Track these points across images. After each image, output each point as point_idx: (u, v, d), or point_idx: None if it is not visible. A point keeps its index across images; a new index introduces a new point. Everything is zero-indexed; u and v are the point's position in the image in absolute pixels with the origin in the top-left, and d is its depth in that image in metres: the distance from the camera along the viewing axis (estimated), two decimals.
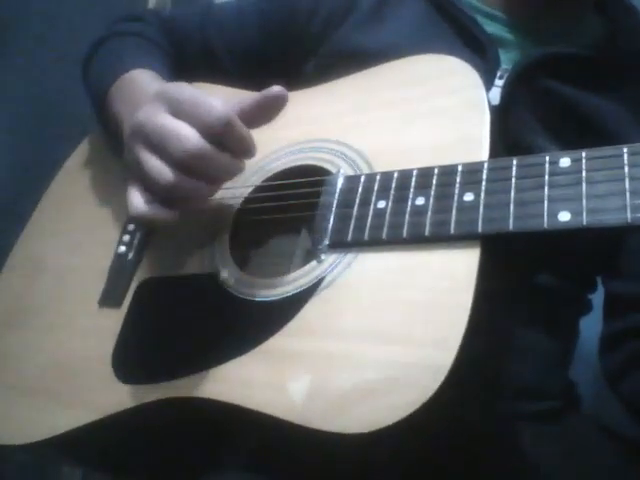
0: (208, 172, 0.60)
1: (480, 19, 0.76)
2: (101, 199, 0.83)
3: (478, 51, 0.74)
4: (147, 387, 0.63)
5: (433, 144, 0.61)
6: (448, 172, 0.57)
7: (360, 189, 0.61)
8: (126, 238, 0.76)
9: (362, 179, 0.62)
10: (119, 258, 0.75)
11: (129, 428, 0.65)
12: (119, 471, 0.74)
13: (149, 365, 0.66)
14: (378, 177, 0.61)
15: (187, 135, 0.58)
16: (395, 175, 0.60)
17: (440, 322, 0.52)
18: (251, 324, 0.61)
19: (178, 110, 0.60)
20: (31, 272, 0.83)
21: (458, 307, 0.51)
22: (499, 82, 0.73)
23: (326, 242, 0.60)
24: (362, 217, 0.59)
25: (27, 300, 0.81)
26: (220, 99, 0.60)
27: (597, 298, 0.83)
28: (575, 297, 0.79)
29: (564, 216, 0.50)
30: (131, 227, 0.76)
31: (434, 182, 0.57)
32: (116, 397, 0.64)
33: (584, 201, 0.50)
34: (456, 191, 0.56)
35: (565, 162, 0.53)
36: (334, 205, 0.62)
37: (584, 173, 0.51)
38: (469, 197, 0.55)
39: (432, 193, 0.57)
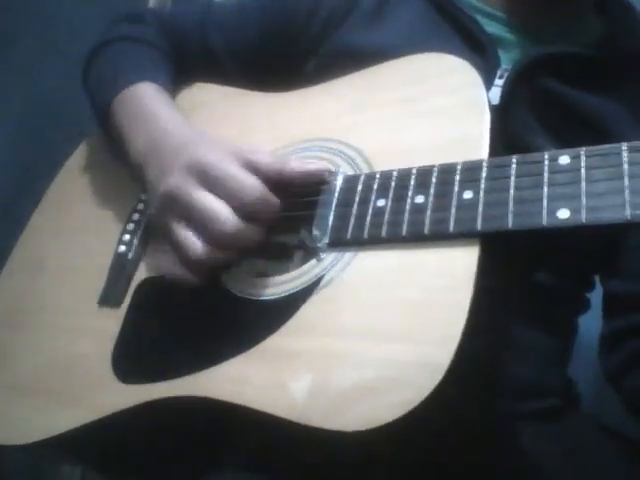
0: (239, 246, 0.63)
1: (480, 19, 0.76)
2: (101, 199, 0.84)
3: (478, 51, 0.74)
4: (146, 386, 0.63)
5: (433, 143, 0.61)
6: (447, 170, 0.57)
7: (359, 188, 0.61)
8: (126, 237, 0.76)
9: (362, 178, 0.62)
10: (119, 258, 0.75)
11: (128, 428, 0.65)
12: (118, 471, 0.74)
13: (148, 364, 0.66)
14: (377, 176, 0.61)
15: (227, 217, 0.61)
16: (394, 174, 0.60)
17: (439, 320, 0.52)
18: (250, 323, 0.61)
19: (212, 186, 0.62)
20: (31, 272, 0.83)
21: (457, 305, 0.51)
22: (499, 82, 0.73)
23: (325, 241, 0.60)
24: (361, 216, 0.59)
25: (27, 300, 0.81)
26: (258, 171, 0.62)
27: (595, 297, 0.83)
28: (573, 295, 0.79)
29: (563, 214, 0.50)
30: (131, 227, 0.76)
31: (433, 180, 0.57)
32: (115, 397, 0.64)
33: (583, 199, 0.50)
34: (455, 189, 0.56)
35: (564, 160, 0.53)
36: (334, 204, 0.62)
37: (583, 171, 0.51)
38: (468, 195, 0.55)
39: (431, 191, 0.57)
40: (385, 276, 0.56)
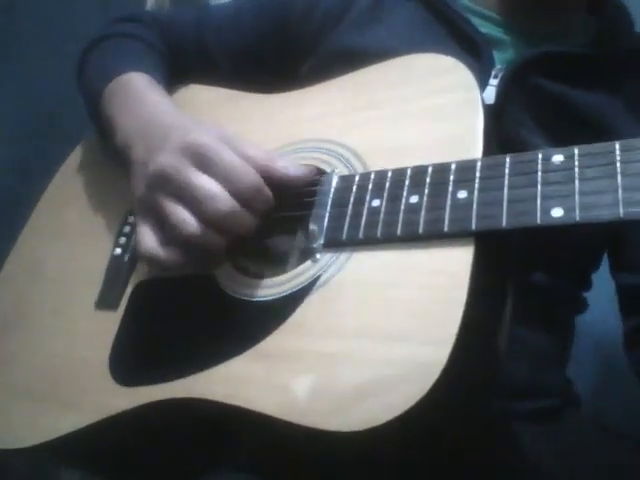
0: (231, 230, 0.62)
1: (474, 20, 0.76)
2: (97, 202, 0.83)
3: (472, 51, 0.74)
4: (144, 389, 0.62)
5: (427, 142, 0.61)
6: (442, 170, 0.57)
7: (354, 188, 0.61)
8: (122, 240, 0.76)
9: (356, 178, 0.62)
10: (115, 260, 0.75)
11: (126, 430, 0.65)
12: (117, 473, 0.74)
13: (146, 367, 0.66)
14: (372, 176, 0.61)
15: (221, 197, 0.60)
16: (389, 174, 0.60)
17: (435, 319, 0.52)
18: (247, 324, 0.61)
19: (207, 168, 0.62)
20: (28, 275, 0.83)
21: (453, 304, 0.51)
22: (494, 81, 0.73)
23: (321, 241, 0.60)
24: (357, 216, 0.59)
25: (24, 303, 0.81)
26: (250, 160, 0.62)
27: (593, 297, 0.83)
28: (570, 295, 0.80)
29: (557, 212, 0.50)
30: (127, 229, 0.76)
31: (428, 180, 0.57)
32: (113, 399, 0.64)
33: (577, 197, 0.50)
34: (450, 189, 0.56)
35: (558, 159, 0.53)
36: (329, 204, 0.62)
37: (577, 169, 0.52)
38: (463, 194, 0.55)
39: (426, 191, 0.57)
40: (381, 276, 0.56)
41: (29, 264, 0.84)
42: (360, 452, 0.54)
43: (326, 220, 0.61)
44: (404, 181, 0.58)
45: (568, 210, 0.50)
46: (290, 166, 0.65)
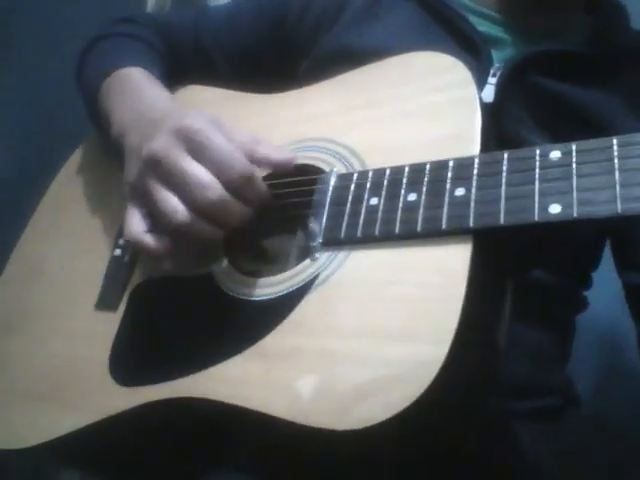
0: (222, 219, 0.61)
1: (473, 18, 0.77)
2: (97, 203, 0.84)
3: (471, 50, 0.74)
4: (144, 389, 0.62)
5: (425, 140, 0.61)
6: (439, 167, 0.57)
7: (352, 186, 0.61)
8: (122, 241, 0.76)
9: (354, 177, 0.62)
10: (115, 261, 0.75)
11: (127, 430, 0.65)
12: (117, 473, 0.74)
13: (146, 367, 0.66)
14: (370, 174, 0.61)
15: (211, 184, 0.59)
16: (387, 172, 0.60)
17: (433, 317, 0.52)
18: (247, 323, 0.61)
19: (199, 154, 0.61)
20: (28, 276, 0.83)
21: (451, 302, 0.51)
22: (492, 80, 0.73)
23: (319, 240, 0.60)
24: (355, 214, 0.59)
25: (25, 304, 0.81)
26: (239, 147, 0.61)
27: (593, 297, 0.83)
28: (570, 293, 0.79)
29: (555, 209, 0.50)
30: None
31: (426, 178, 0.57)
32: (113, 400, 0.64)
33: (574, 193, 0.50)
34: (447, 186, 0.56)
35: (555, 155, 0.53)
36: (327, 203, 0.62)
37: (574, 166, 0.51)
38: (460, 192, 0.55)
39: (424, 189, 0.57)
40: (379, 274, 0.56)
41: (30, 265, 0.85)
42: (359, 451, 0.54)
43: (324, 219, 0.61)
44: (402, 179, 0.58)
45: (566, 206, 0.50)
46: (272, 151, 0.64)
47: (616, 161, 0.50)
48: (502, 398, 0.71)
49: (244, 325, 0.61)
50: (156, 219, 0.63)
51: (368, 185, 0.60)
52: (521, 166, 0.54)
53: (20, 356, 0.76)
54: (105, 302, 0.73)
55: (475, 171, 0.55)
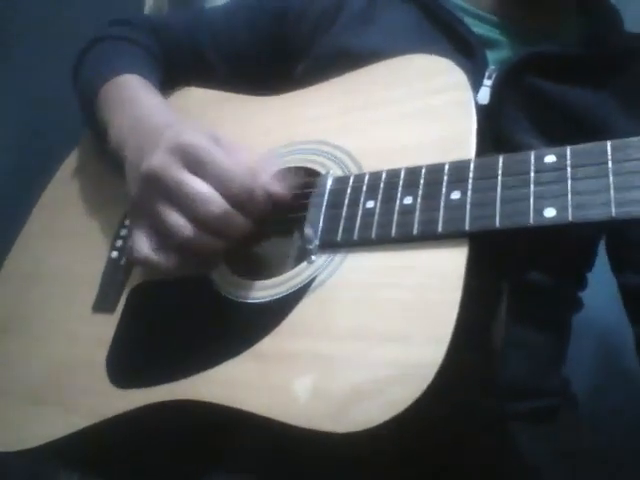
0: (225, 232, 0.62)
1: (468, 20, 0.77)
2: (94, 205, 0.84)
3: (466, 52, 0.74)
4: (141, 391, 0.63)
5: (421, 143, 0.61)
6: (435, 170, 0.57)
7: (349, 189, 0.61)
8: (119, 243, 0.76)
9: (351, 180, 0.62)
10: (112, 263, 0.75)
11: (125, 432, 0.65)
12: (116, 475, 0.74)
13: (143, 369, 0.66)
14: (366, 177, 0.61)
15: (213, 198, 0.60)
16: (383, 175, 0.60)
17: (430, 320, 0.52)
18: (244, 326, 0.61)
19: (198, 169, 0.61)
20: (25, 278, 0.83)
21: (447, 304, 0.51)
22: (488, 82, 0.73)
23: (316, 243, 0.60)
24: (351, 217, 0.59)
25: (22, 306, 0.81)
26: (239, 160, 0.62)
27: (591, 297, 0.83)
28: (565, 294, 0.80)
29: (550, 212, 0.50)
30: (123, 232, 0.76)
31: (421, 181, 0.57)
32: (111, 402, 0.64)
33: (569, 197, 0.50)
34: (443, 190, 0.56)
35: (550, 159, 0.53)
36: (324, 206, 0.62)
37: (569, 169, 0.52)
38: (456, 195, 0.55)
39: (420, 192, 0.57)
40: (375, 277, 0.56)
41: (27, 266, 0.85)
42: (357, 453, 0.54)
43: (321, 222, 0.61)
44: (398, 182, 0.59)
45: (561, 210, 0.50)
46: (273, 183, 0.64)
47: (610, 165, 0.50)
48: (499, 399, 0.71)
49: (241, 327, 0.61)
50: (160, 235, 0.64)
51: (364, 188, 0.60)
52: (516, 169, 0.54)
53: (17, 358, 0.76)
54: (102, 304, 0.73)
55: (471, 174, 0.55)
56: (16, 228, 0.89)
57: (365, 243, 0.58)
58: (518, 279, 0.71)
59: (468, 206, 0.54)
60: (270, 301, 0.61)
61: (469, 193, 0.54)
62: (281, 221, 0.66)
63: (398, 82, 0.67)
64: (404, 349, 0.52)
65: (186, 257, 0.64)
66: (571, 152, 0.53)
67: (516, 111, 0.74)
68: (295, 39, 0.83)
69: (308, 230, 0.61)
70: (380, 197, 0.59)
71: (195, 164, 0.62)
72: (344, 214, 0.60)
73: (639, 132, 0.52)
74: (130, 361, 0.68)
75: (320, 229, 0.61)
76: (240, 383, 0.57)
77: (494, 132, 0.64)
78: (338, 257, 0.59)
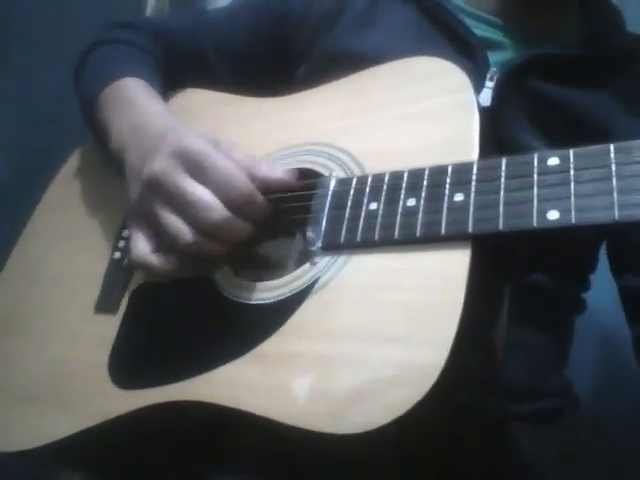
0: (226, 237, 0.63)
1: (470, 22, 0.77)
2: (95, 206, 0.84)
3: (467, 53, 0.74)
4: (144, 392, 0.63)
5: (423, 145, 0.61)
6: (438, 172, 0.57)
7: (352, 191, 0.61)
8: (121, 244, 0.76)
9: (354, 181, 0.62)
10: (114, 264, 0.75)
11: (127, 433, 0.65)
12: (118, 476, 0.74)
13: (145, 370, 0.66)
14: (369, 179, 0.61)
15: (215, 206, 0.61)
16: (386, 177, 0.60)
17: (433, 321, 0.52)
18: (246, 327, 0.61)
19: (199, 175, 0.62)
20: (28, 278, 0.83)
21: (450, 306, 0.51)
22: (489, 84, 0.73)
23: (319, 244, 0.60)
24: (354, 219, 0.59)
25: (24, 306, 0.81)
26: (240, 167, 0.62)
27: (592, 298, 0.83)
28: (568, 296, 0.80)
29: (553, 215, 0.51)
30: (126, 233, 0.76)
31: (424, 183, 0.57)
32: (113, 403, 0.64)
33: (572, 200, 0.50)
34: (446, 192, 0.56)
35: (553, 161, 0.53)
36: (326, 207, 0.62)
37: (572, 172, 0.52)
38: (459, 197, 0.55)
39: (423, 194, 0.57)
40: (378, 279, 0.56)
41: (29, 267, 0.85)
42: (358, 454, 0.54)
43: (324, 223, 0.61)
44: (401, 184, 0.59)
45: (564, 212, 0.50)
46: (273, 170, 0.65)
47: (613, 167, 0.50)
48: (501, 400, 0.71)
49: (244, 329, 0.61)
50: (160, 238, 0.64)
51: (367, 190, 0.60)
52: (519, 172, 0.54)
53: (19, 358, 0.76)
54: (105, 305, 0.73)
55: (474, 177, 0.55)
56: (17, 228, 0.89)
57: (368, 245, 0.58)
58: (520, 281, 0.71)
59: (471, 208, 0.54)
60: (273, 302, 0.61)
61: (472, 195, 0.54)
62: (283, 222, 0.66)
63: (400, 84, 0.67)
64: (407, 351, 0.52)
65: (186, 260, 0.65)
66: (574, 155, 0.53)
67: (518, 112, 0.74)
68: (296, 41, 0.83)
69: (310, 231, 0.62)
70: (383, 199, 0.59)
71: (196, 169, 0.62)
72: (347, 216, 0.60)
73: None
74: (132, 362, 0.68)
75: (323, 230, 0.61)
76: (242, 384, 0.58)
77: (496, 134, 0.64)
78: (341, 259, 0.59)
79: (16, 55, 1.18)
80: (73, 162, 0.92)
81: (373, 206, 0.59)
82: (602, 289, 0.83)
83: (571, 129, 0.74)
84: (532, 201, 0.52)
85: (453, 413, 0.56)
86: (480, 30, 0.77)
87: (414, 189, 0.58)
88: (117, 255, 0.76)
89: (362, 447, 0.52)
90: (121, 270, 0.74)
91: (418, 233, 0.55)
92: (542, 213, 0.51)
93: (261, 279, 0.64)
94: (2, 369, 0.77)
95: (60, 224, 0.86)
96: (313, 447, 0.54)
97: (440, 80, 0.64)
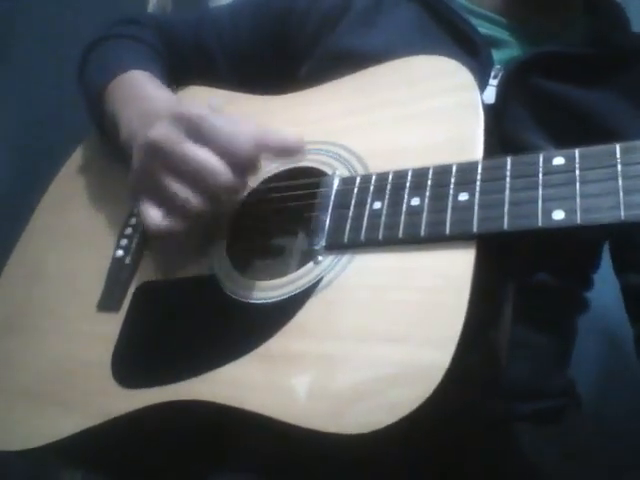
0: (234, 199, 0.63)
1: (474, 21, 0.77)
2: (98, 203, 0.83)
3: (471, 51, 0.74)
4: (146, 391, 0.63)
5: (428, 144, 0.61)
6: (443, 172, 0.57)
7: (356, 190, 0.61)
8: (123, 242, 0.76)
9: (357, 180, 0.62)
10: (117, 262, 0.75)
11: (130, 432, 0.65)
12: (119, 475, 0.74)
13: (148, 369, 0.66)
14: (373, 178, 0.61)
15: (221, 171, 0.60)
16: (390, 176, 0.60)
17: (437, 321, 0.52)
18: (250, 326, 0.61)
19: (200, 137, 0.61)
20: (30, 276, 0.83)
21: (454, 306, 0.51)
22: (493, 81, 0.73)
23: (323, 243, 0.60)
24: (358, 218, 0.59)
25: (26, 305, 0.81)
26: (242, 128, 0.61)
27: (594, 297, 0.83)
28: (572, 295, 0.80)
29: (558, 215, 0.50)
30: (128, 231, 0.76)
31: (429, 182, 0.57)
32: (116, 401, 0.64)
33: (578, 200, 0.50)
34: (451, 191, 0.56)
35: (559, 161, 0.53)
36: (330, 206, 0.62)
37: (577, 172, 0.52)
38: (464, 197, 0.55)
39: (427, 193, 0.57)
40: (382, 278, 0.56)
41: (30, 265, 0.84)
42: (361, 454, 0.54)
43: (328, 222, 0.61)
44: (405, 183, 0.58)
45: (569, 212, 0.50)
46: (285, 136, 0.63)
47: (619, 168, 0.50)
48: (504, 400, 0.71)
49: (247, 328, 0.61)
50: (168, 202, 0.63)
51: (371, 189, 0.60)
52: (524, 171, 0.54)
53: (21, 357, 0.76)
54: (107, 303, 0.73)
55: (478, 176, 0.55)
56: (16, 228, 0.88)
57: (372, 244, 0.58)
58: (524, 280, 0.71)
59: (476, 208, 0.54)
60: (276, 301, 0.60)
61: (477, 195, 0.54)
62: (288, 221, 0.65)
63: (405, 83, 0.67)
64: (411, 351, 0.52)
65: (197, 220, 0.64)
66: (580, 154, 0.52)
67: (522, 110, 0.74)
68: (299, 39, 0.83)
69: (315, 230, 0.61)
70: (387, 198, 0.59)
71: (196, 132, 0.61)
72: (351, 215, 0.60)
73: None
74: (135, 360, 0.68)
75: (327, 230, 0.61)
76: (246, 384, 0.57)
77: (499, 132, 0.64)
78: (345, 258, 0.59)
79: (16, 55, 1.18)
80: (76, 159, 0.92)
81: (377, 205, 0.59)
82: (605, 288, 0.83)
83: (575, 127, 0.74)
84: (537, 201, 0.52)
85: (456, 413, 0.56)
86: (484, 28, 0.76)
87: (418, 188, 0.58)
88: (120, 253, 0.75)
89: (366, 447, 0.52)
90: (124, 268, 0.74)
91: (422, 233, 0.55)
92: (547, 213, 0.51)
93: (264, 278, 0.64)
94: (3, 368, 0.77)
95: (62, 222, 0.86)
96: (316, 447, 0.54)
97: (445, 79, 0.64)
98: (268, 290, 0.62)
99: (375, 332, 0.54)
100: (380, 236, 0.57)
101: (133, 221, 0.77)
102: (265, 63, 0.86)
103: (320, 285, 0.58)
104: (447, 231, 0.54)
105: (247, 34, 0.86)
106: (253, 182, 0.70)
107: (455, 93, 0.63)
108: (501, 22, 0.77)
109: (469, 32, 0.75)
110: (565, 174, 0.52)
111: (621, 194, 0.49)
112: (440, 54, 0.66)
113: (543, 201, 0.52)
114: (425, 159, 0.59)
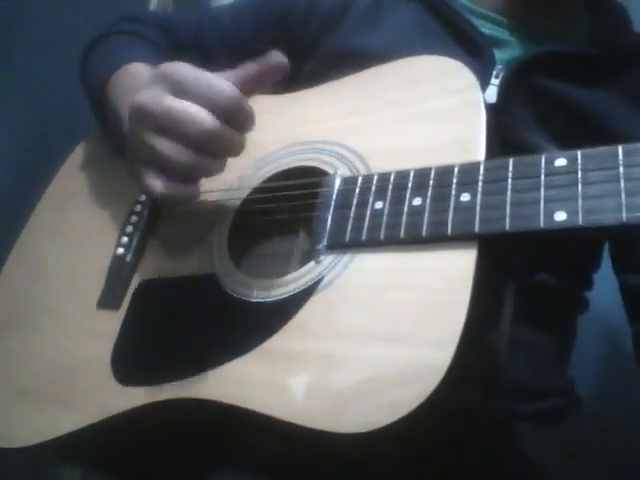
0: (220, 148, 0.61)
1: (476, 21, 0.77)
2: (99, 200, 0.83)
3: (473, 52, 0.74)
4: (147, 389, 0.63)
5: (430, 144, 0.61)
6: (445, 172, 0.57)
7: (357, 190, 0.61)
8: (124, 240, 0.76)
9: (359, 180, 0.62)
10: (117, 260, 0.75)
11: (129, 430, 0.65)
12: (118, 473, 0.74)
13: (148, 367, 0.66)
14: (375, 178, 0.61)
15: (202, 116, 0.59)
16: (392, 176, 0.60)
17: (438, 322, 0.52)
18: (250, 325, 0.61)
19: (182, 90, 0.60)
20: (30, 274, 0.83)
21: (455, 307, 0.51)
22: (495, 81, 0.73)
23: (324, 243, 0.60)
24: (360, 218, 0.59)
25: (26, 302, 0.81)
26: (220, 75, 0.61)
27: (594, 296, 0.83)
28: (572, 295, 0.80)
29: (560, 216, 0.50)
30: (129, 229, 0.76)
31: (431, 182, 0.57)
32: (115, 399, 0.64)
33: (580, 201, 0.50)
34: (453, 192, 0.56)
35: (561, 162, 0.53)
36: (332, 206, 0.62)
37: (580, 173, 0.52)
38: (466, 197, 0.55)
39: (429, 194, 0.57)
40: (383, 278, 0.56)
41: (30, 263, 0.84)
42: (362, 454, 0.54)
43: (329, 222, 0.61)
44: (407, 183, 0.58)
45: (571, 214, 0.50)
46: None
47: (621, 169, 0.50)
48: (504, 400, 0.71)
49: (248, 326, 0.61)
50: (164, 169, 0.63)
51: (373, 189, 0.60)
52: (527, 172, 0.54)
53: (21, 354, 0.76)
54: (107, 301, 0.73)
55: (480, 177, 0.55)
56: (16, 228, 0.88)
57: (373, 244, 0.58)
58: (524, 280, 0.71)
59: (478, 208, 0.54)
60: (277, 300, 0.60)
61: (479, 195, 0.54)
62: (289, 220, 0.65)
63: (407, 83, 0.67)
64: (412, 351, 0.52)
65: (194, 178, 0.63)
66: (582, 156, 0.52)
67: (523, 109, 0.74)
68: (300, 38, 0.83)
69: (316, 230, 0.61)
70: (389, 198, 0.59)
71: (177, 85, 0.60)
72: (352, 214, 0.60)
73: None
74: (135, 358, 0.67)
75: (328, 229, 0.61)
76: (246, 382, 0.57)
77: (501, 131, 0.64)
78: (346, 257, 0.59)
79: (16, 55, 1.17)
80: (76, 156, 0.91)
81: (379, 205, 0.59)
82: (605, 288, 0.83)
83: (576, 126, 0.74)
84: (539, 202, 0.52)
85: (456, 413, 0.56)
86: (485, 28, 0.77)
87: (420, 188, 0.57)
88: (120, 251, 0.75)
89: (367, 446, 0.52)
90: (124, 266, 0.74)
91: (424, 233, 0.55)
92: (549, 214, 0.51)
93: (265, 277, 0.63)
94: (3, 366, 0.76)
95: (63, 219, 0.86)
96: (317, 446, 0.54)
97: (447, 79, 0.64)
98: (269, 289, 0.62)
99: (375, 332, 0.54)
100: (381, 236, 0.57)
101: (134, 219, 0.77)
102: None
103: (321, 284, 0.58)
104: (449, 231, 0.54)
105: (248, 34, 0.86)
106: (255, 181, 0.70)
107: (458, 94, 0.63)
108: (502, 22, 0.77)
109: (471, 32, 0.75)
110: (567, 175, 0.52)
111: (623, 196, 0.49)
112: (442, 54, 0.66)
113: (545, 202, 0.51)
114: (427, 159, 0.59)
